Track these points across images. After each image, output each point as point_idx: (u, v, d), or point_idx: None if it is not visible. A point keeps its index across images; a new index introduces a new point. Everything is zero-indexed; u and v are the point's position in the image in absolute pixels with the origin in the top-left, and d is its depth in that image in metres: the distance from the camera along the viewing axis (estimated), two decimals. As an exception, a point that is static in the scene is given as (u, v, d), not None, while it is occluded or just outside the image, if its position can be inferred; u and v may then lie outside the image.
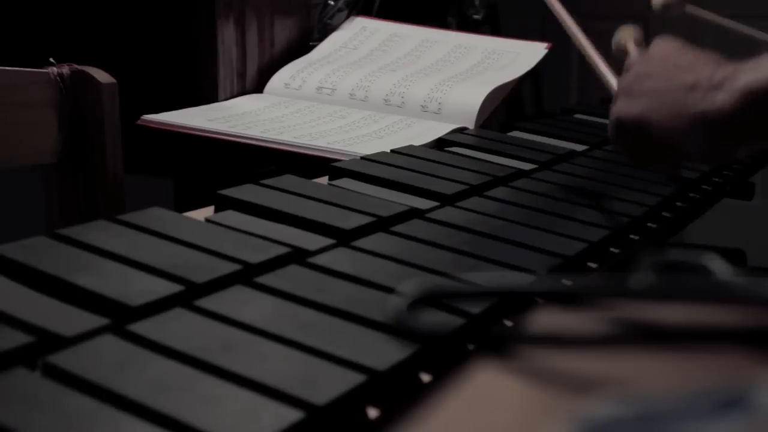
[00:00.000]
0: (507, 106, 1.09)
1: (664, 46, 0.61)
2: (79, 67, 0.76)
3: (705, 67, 0.55)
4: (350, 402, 0.32)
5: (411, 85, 0.95)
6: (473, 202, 0.59)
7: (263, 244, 0.45)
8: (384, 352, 0.34)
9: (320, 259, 0.44)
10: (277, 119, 0.88)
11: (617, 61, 0.84)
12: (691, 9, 0.91)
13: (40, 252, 0.40)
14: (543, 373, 0.35)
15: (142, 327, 0.34)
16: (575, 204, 0.62)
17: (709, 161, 0.56)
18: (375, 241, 0.48)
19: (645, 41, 0.69)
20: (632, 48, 0.79)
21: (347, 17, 1.16)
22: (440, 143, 0.81)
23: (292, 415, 0.29)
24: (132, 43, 0.96)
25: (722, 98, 0.52)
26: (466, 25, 1.53)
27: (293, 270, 0.42)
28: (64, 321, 0.34)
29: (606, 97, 1.11)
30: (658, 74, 0.57)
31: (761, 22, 1.12)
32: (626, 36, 0.81)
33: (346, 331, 0.36)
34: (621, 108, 0.59)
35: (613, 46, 0.82)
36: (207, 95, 0.94)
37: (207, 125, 0.82)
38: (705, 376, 0.33)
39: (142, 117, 0.82)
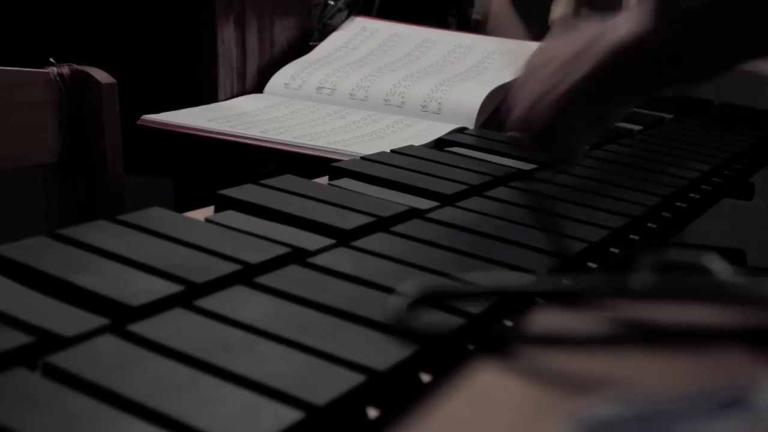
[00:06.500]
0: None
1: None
2: (79, 67, 0.76)
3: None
4: (350, 402, 0.32)
5: (411, 85, 0.95)
6: (473, 202, 0.59)
7: (263, 244, 0.45)
8: (384, 352, 0.34)
9: (320, 259, 0.44)
10: (277, 119, 0.88)
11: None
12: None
13: (40, 252, 0.40)
14: (543, 373, 0.35)
15: (142, 327, 0.34)
16: (575, 204, 0.62)
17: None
18: (375, 241, 0.48)
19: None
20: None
21: (347, 17, 1.16)
22: (440, 143, 0.81)
23: (292, 415, 0.29)
24: (132, 43, 0.96)
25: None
26: (466, 25, 1.53)
27: (293, 270, 0.42)
28: (63, 321, 0.34)
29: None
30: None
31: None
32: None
33: (346, 331, 0.36)
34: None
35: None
36: (207, 95, 0.94)
37: (207, 125, 0.82)
38: (705, 376, 0.33)
39: (142, 117, 0.82)
